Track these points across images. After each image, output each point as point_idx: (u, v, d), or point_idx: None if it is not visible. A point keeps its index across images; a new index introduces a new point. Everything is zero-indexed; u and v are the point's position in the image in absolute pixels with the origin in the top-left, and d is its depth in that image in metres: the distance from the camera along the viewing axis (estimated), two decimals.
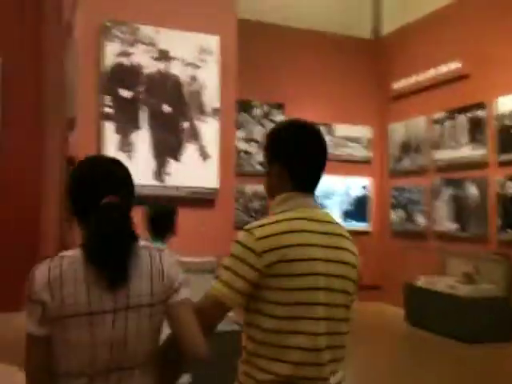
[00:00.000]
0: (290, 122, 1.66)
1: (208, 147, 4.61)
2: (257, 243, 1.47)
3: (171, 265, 1.51)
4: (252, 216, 7.46)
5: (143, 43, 4.41)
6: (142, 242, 1.49)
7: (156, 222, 2.95)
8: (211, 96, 4.63)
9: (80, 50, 4.29)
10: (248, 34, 6.14)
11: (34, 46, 5.50)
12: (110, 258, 1.37)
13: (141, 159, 4.40)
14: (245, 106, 7.33)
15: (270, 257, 1.46)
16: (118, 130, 4.32)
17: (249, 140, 7.36)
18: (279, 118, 7.66)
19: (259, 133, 7.39)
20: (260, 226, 1.51)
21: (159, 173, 4.48)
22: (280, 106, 7.69)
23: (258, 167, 7.40)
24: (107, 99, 4.29)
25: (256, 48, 7.01)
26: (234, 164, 4.89)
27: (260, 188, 7.22)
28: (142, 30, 4.41)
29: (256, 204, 7.36)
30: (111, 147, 4.28)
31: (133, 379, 1.43)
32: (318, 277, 1.49)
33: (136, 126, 4.40)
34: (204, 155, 4.61)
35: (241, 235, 1.52)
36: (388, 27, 8.34)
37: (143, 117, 4.43)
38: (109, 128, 4.30)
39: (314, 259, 1.49)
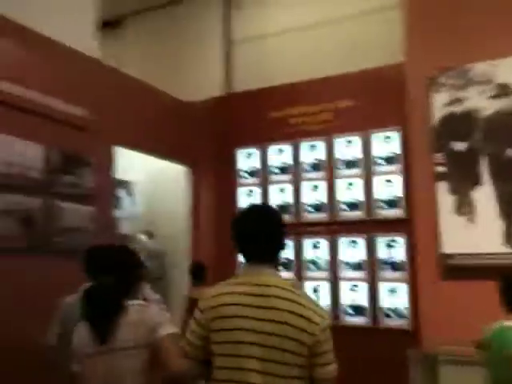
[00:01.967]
0: (245, 207, 2.00)
1: None
2: (203, 302, 1.85)
3: (153, 314, 2.06)
4: None
5: (476, 83, 3.72)
6: (135, 302, 2.12)
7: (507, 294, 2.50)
8: None
9: (408, 108, 4.03)
10: None
11: None
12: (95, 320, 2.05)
13: (484, 221, 3.60)
14: None
15: (210, 313, 1.81)
16: (453, 190, 3.72)
17: None
18: None
19: None
20: (211, 290, 1.88)
21: (510, 236, 3.50)
22: None
23: None
24: (438, 156, 3.81)
25: None
26: None
27: None
28: (474, 70, 3.74)
29: None
30: (446, 210, 3.73)
31: None
32: (244, 332, 1.73)
33: (475, 182, 3.67)
34: None
35: None
36: None
37: (483, 169, 3.65)
38: (442, 188, 3.77)
39: (240, 316, 1.75)
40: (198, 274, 4.95)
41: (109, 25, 7.41)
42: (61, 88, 4.46)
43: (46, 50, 4.44)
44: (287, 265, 5.53)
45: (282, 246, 1.92)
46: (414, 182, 3.96)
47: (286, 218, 5.60)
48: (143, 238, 5.78)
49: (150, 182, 6.11)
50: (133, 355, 1.99)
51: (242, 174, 5.91)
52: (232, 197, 5.83)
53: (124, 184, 5.82)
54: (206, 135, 6.08)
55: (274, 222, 1.92)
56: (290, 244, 5.55)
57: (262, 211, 1.98)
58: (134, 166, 5.83)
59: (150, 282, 4.70)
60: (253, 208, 2.02)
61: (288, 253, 5.53)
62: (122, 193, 5.75)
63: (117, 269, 2.16)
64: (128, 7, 7.29)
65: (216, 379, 1.76)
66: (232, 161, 5.92)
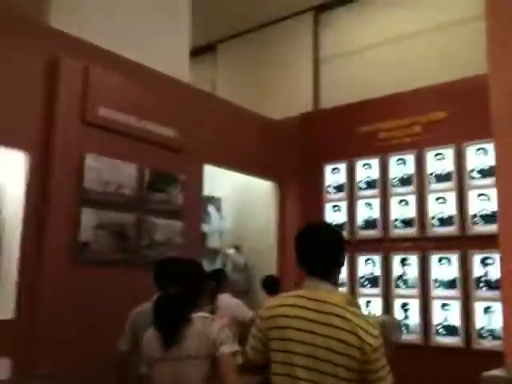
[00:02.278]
0: (308, 224, 2.10)
1: None
2: (263, 312, 2.02)
3: (216, 329, 2.20)
4: None
5: None
6: (200, 314, 2.27)
7: None
8: None
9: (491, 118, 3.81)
10: None
11: None
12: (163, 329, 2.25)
13: None
14: None
15: (268, 323, 1.96)
16: None
17: None
18: None
19: None
20: (272, 301, 2.06)
21: None
22: None
23: None
24: None
25: None
26: None
27: None
28: None
29: None
30: None
31: None
32: (296, 343, 1.86)
33: None
34: None
35: None
36: None
37: None
38: None
39: (293, 328, 1.88)
40: (271, 285, 5.06)
41: (203, 50, 7.83)
42: (154, 112, 4.78)
43: (142, 77, 4.79)
44: (373, 281, 5.42)
45: (340, 263, 2.04)
46: (500, 195, 3.74)
47: (373, 233, 5.52)
48: (231, 251, 5.98)
49: (238, 198, 6.31)
50: (195, 364, 2.17)
51: (328, 189, 5.92)
52: (318, 212, 5.85)
53: (213, 200, 6.07)
54: (293, 151, 6.17)
55: (335, 240, 2.03)
56: (376, 260, 5.45)
57: (323, 228, 2.11)
58: (223, 183, 6.07)
59: (238, 296, 4.88)
60: (315, 225, 2.16)
61: (374, 269, 5.44)
62: (211, 208, 6.00)
63: (183, 281, 2.36)
64: (220, 33, 7.64)
65: None
66: (319, 176, 5.95)
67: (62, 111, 4.15)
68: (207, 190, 5.93)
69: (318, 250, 1.99)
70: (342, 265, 2.05)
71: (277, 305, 1.98)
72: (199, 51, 7.78)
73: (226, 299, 4.56)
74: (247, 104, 6.04)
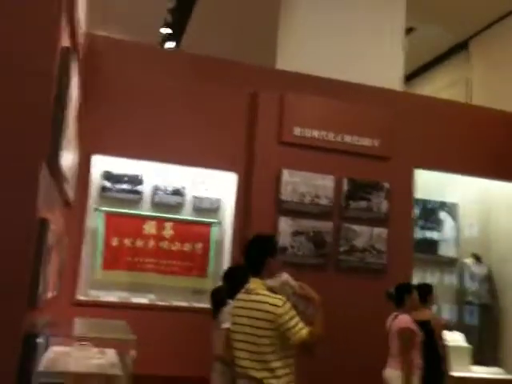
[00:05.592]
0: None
1: None
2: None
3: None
4: None
5: None
6: (230, 301, 3.01)
7: None
8: None
9: None
10: None
11: None
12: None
13: None
14: None
15: (232, 312, 2.78)
16: None
17: None
18: None
19: None
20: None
21: None
22: None
23: None
24: None
25: None
26: None
27: None
28: None
29: None
30: None
31: None
32: (237, 325, 2.64)
33: None
34: None
35: None
36: None
37: None
38: None
39: (235, 315, 2.68)
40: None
41: (454, 50, 7.40)
42: (355, 124, 5.00)
43: (343, 93, 5.06)
44: None
45: (263, 263, 2.64)
46: None
47: None
48: (468, 261, 5.43)
49: (479, 204, 5.68)
50: None
51: None
52: None
53: (446, 206, 5.66)
54: None
55: (256, 246, 2.70)
56: None
57: (253, 239, 2.76)
58: (460, 188, 5.63)
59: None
60: (253, 237, 2.83)
61: None
62: (443, 215, 5.62)
63: (228, 279, 3.39)
64: (471, 29, 7.07)
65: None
66: None
67: (261, 135, 4.87)
68: (439, 196, 5.66)
69: (249, 256, 2.67)
70: (265, 263, 2.62)
71: (235, 299, 2.73)
72: (451, 52, 7.44)
73: None
74: (504, 98, 5.51)
